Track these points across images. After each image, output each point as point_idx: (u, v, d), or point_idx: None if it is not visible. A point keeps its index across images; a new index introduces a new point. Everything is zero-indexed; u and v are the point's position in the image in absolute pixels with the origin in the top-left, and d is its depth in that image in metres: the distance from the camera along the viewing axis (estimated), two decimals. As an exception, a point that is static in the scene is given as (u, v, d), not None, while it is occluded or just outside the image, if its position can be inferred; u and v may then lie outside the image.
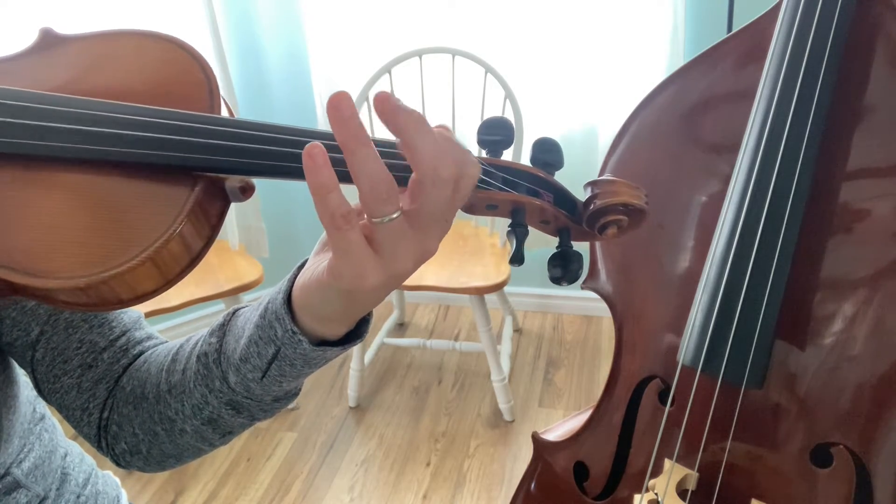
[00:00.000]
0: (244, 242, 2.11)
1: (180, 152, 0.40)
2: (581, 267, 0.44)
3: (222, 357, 0.50)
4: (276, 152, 0.40)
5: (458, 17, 2.02)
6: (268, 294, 0.47)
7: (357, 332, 0.46)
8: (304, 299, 0.43)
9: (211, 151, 0.40)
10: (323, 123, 2.20)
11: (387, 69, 1.88)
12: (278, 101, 2.27)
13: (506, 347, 2.14)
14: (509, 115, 1.88)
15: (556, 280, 0.44)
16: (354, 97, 1.92)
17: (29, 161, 0.40)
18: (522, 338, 2.36)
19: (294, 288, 0.44)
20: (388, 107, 0.35)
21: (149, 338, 0.64)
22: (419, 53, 1.88)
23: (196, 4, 1.95)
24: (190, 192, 0.40)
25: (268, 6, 2.16)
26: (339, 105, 0.34)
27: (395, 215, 0.36)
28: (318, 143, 0.34)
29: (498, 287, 1.79)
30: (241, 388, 0.49)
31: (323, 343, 0.45)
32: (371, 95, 1.91)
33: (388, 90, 1.91)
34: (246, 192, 0.43)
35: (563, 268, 0.44)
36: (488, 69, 1.83)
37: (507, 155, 0.45)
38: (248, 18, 2.16)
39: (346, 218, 0.36)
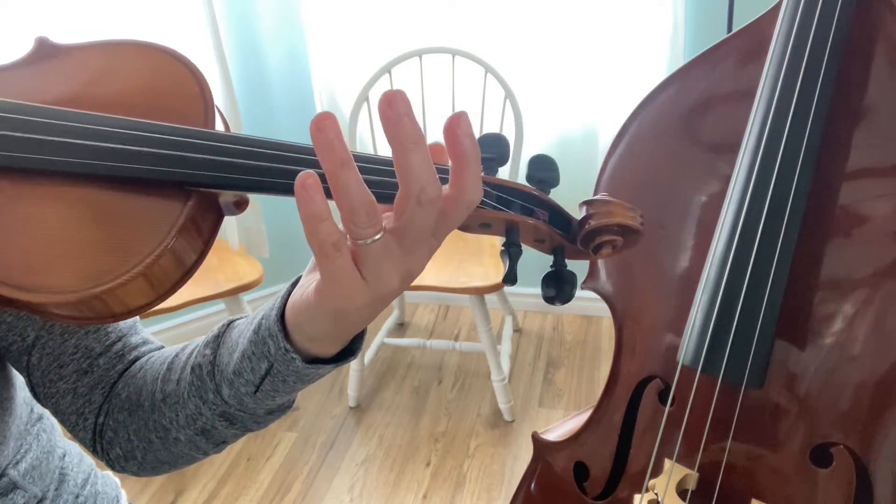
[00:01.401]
0: (244, 243, 2.11)
1: (172, 167, 0.39)
2: (575, 287, 0.44)
3: (216, 370, 0.50)
4: (268, 168, 0.40)
5: (458, 17, 2.02)
6: (263, 308, 0.47)
7: (350, 350, 0.46)
8: (295, 319, 0.43)
9: (203, 167, 0.39)
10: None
11: (387, 69, 1.88)
12: (278, 101, 2.27)
13: (506, 347, 2.14)
14: (509, 115, 1.88)
15: (550, 300, 0.44)
16: (354, 97, 1.93)
17: (21, 174, 0.40)
18: (522, 338, 2.36)
19: (287, 306, 0.44)
20: (390, 113, 0.33)
21: (144, 343, 0.64)
22: (419, 53, 1.88)
23: (196, 4, 1.94)
24: (182, 207, 0.39)
25: (268, 6, 2.16)
26: (323, 127, 0.32)
27: (377, 237, 0.35)
28: (311, 171, 0.33)
29: (498, 287, 1.79)
30: (235, 401, 0.49)
31: (316, 360, 0.45)
32: (371, 96, 1.91)
33: (390, 90, 1.91)
34: (240, 206, 0.43)
35: (557, 288, 0.44)
36: (488, 69, 1.83)
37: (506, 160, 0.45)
38: (248, 18, 2.16)
39: (335, 246, 0.35)
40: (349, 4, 2.05)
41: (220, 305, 2.28)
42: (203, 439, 0.54)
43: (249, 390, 0.47)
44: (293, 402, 0.52)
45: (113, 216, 0.39)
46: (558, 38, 1.98)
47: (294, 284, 0.45)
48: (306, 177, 0.33)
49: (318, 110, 2.18)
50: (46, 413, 0.66)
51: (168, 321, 2.28)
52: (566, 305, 2.46)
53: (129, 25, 1.88)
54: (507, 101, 1.85)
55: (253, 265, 1.91)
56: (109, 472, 0.75)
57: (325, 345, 0.43)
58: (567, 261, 0.44)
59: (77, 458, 0.69)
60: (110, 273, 0.37)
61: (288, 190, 0.39)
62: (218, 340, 0.51)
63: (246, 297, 1.99)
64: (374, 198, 0.34)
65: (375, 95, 1.93)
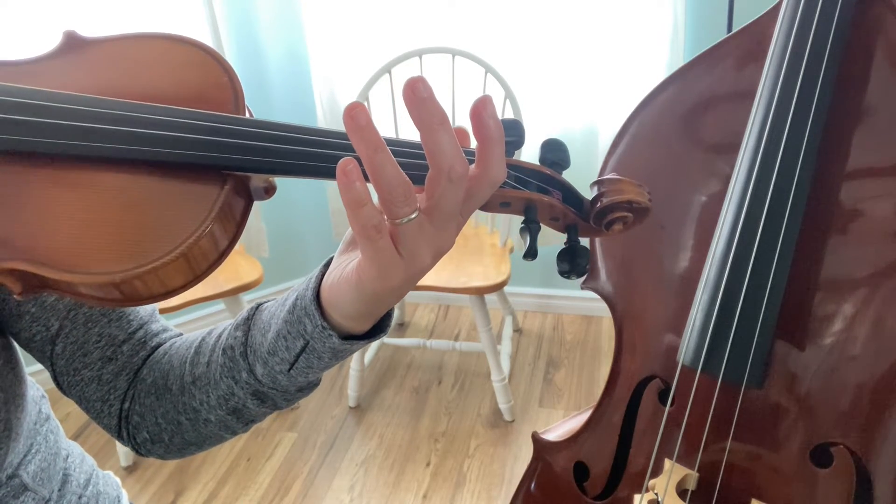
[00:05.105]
0: (244, 242, 2.12)
1: (213, 152, 0.41)
2: (588, 261, 0.47)
3: (249, 350, 0.52)
4: (303, 152, 0.42)
5: (458, 17, 2.02)
6: (294, 290, 0.49)
7: (381, 326, 0.48)
8: (332, 298, 0.45)
9: (242, 151, 0.41)
10: (322, 124, 2.20)
11: (387, 69, 1.88)
12: (278, 101, 2.27)
13: (506, 347, 2.14)
14: (509, 115, 1.88)
15: (565, 273, 0.47)
16: (354, 97, 1.93)
17: (65, 161, 0.41)
18: (522, 338, 2.36)
19: (322, 286, 0.46)
20: (415, 98, 0.35)
21: (164, 330, 0.66)
22: (419, 53, 1.88)
23: (196, 4, 1.95)
24: (220, 191, 0.41)
25: (268, 6, 2.16)
26: (355, 114, 0.35)
27: (413, 216, 0.37)
28: (351, 157, 0.36)
29: (498, 287, 1.79)
30: (268, 380, 0.51)
31: (349, 336, 0.47)
32: (371, 96, 1.91)
33: (389, 90, 1.92)
34: (269, 191, 0.45)
35: (571, 262, 0.46)
36: (488, 69, 1.83)
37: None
38: (248, 18, 2.16)
39: (377, 228, 0.37)
40: (349, 4, 2.05)
41: (220, 305, 2.29)
42: (234, 419, 0.56)
43: (284, 368, 0.49)
44: (320, 380, 0.54)
45: (154, 200, 0.41)
46: (558, 37, 1.98)
47: (326, 266, 0.47)
48: (347, 163, 0.35)
49: (319, 110, 2.18)
50: (52, 414, 0.67)
51: (169, 321, 2.27)
52: (566, 305, 2.46)
53: (129, 25, 1.88)
54: (507, 100, 1.85)
55: (253, 265, 1.91)
56: (110, 473, 0.76)
57: (359, 322, 0.46)
58: (580, 238, 0.48)
59: (79, 458, 0.69)
60: (153, 253, 0.39)
61: (321, 172, 0.42)
62: (248, 322, 0.53)
63: (246, 297, 1.99)
64: (407, 178, 0.37)
65: (375, 95, 1.93)
